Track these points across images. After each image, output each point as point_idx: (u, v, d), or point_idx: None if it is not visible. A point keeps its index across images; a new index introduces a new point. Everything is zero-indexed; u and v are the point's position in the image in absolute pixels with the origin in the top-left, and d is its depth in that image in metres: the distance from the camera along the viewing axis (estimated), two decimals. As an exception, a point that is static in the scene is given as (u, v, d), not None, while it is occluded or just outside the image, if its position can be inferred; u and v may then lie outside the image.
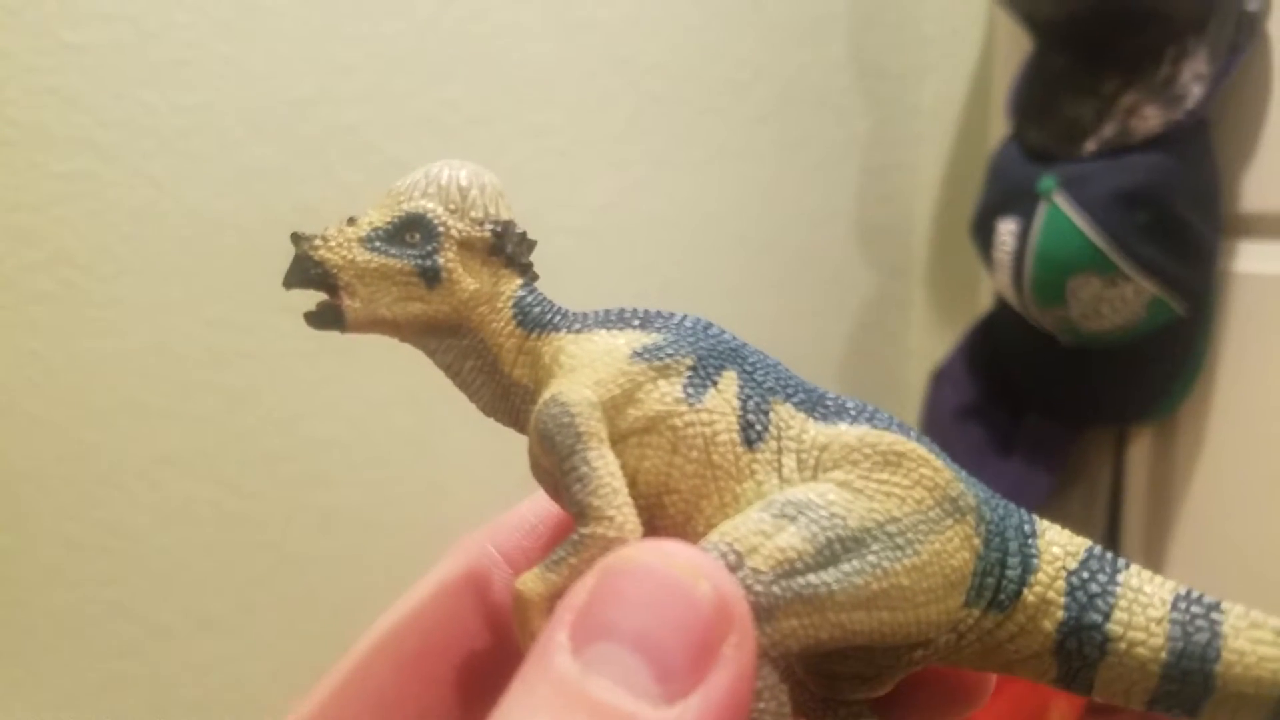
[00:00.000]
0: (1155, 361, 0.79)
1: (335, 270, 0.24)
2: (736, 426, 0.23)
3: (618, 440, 0.23)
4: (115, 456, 0.71)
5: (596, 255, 0.84)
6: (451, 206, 0.25)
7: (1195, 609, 0.23)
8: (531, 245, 0.25)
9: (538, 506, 0.28)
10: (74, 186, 0.68)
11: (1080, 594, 0.23)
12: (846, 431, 0.23)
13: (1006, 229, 0.77)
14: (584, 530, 0.22)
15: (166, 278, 0.71)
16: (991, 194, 0.81)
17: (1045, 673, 0.23)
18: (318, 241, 0.24)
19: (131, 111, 0.69)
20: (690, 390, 0.23)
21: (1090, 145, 0.76)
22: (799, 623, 0.21)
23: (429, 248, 0.24)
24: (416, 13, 0.75)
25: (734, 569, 0.21)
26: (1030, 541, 0.23)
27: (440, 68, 0.76)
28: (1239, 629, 0.23)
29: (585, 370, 0.23)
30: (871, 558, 0.21)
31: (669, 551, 0.19)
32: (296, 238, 0.25)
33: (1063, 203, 0.74)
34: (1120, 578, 0.23)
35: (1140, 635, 0.22)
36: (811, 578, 0.21)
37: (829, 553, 0.21)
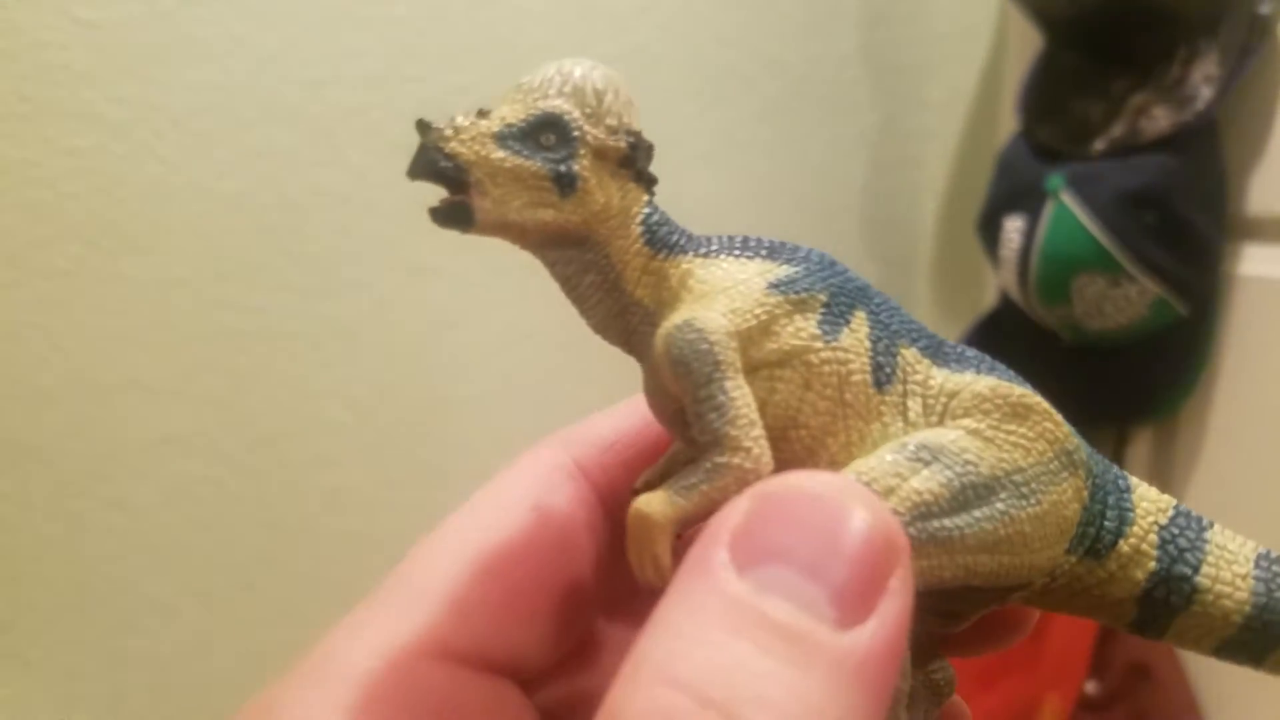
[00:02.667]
0: (1157, 362, 0.79)
1: (468, 165, 0.22)
2: (869, 367, 0.23)
3: (749, 371, 0.22)
4: (120, 433, 0.71)
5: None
6: (588, 110, 0.23)
7: (1276, 567, 0.24)
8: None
9: (615, 422, 0.28)
10: (84, 163, 0.68)
11: (1171, 547, 0.24)
12: (977, 381, 0.23)
13: (1013, 226, 0.78)
14: (719, 459, 0.21)
15: (174, 256, 0.71)
16: (999, 191, 0.81)
17: (1122, 617, 0.24)
18: (448, 133, 0.23)
19: (143, 89, 0.69)
20: (826, 327, 0.23)
21: (1099, 145, 0.76)
22: (929, 563, 0.21)
23: (564, 153, 0.23)
24: (428, -3, 0.75)
25: None
26: (1126, 496, 0.24)
27: (450, 52, 0.76)
28: None
29: (720, 298, 0.23)
30: (1000, 505, 0.22)
31: (833, 482, 0.19)
32: (424, 126, 0.23)
33: (1070, 201, 0.74)
34: (1207, 535, 0.24)
35: (1227, 589, 0.24)
36: (946, 521, 0.21)
37: (962, 498, 0.22)
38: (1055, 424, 0.23)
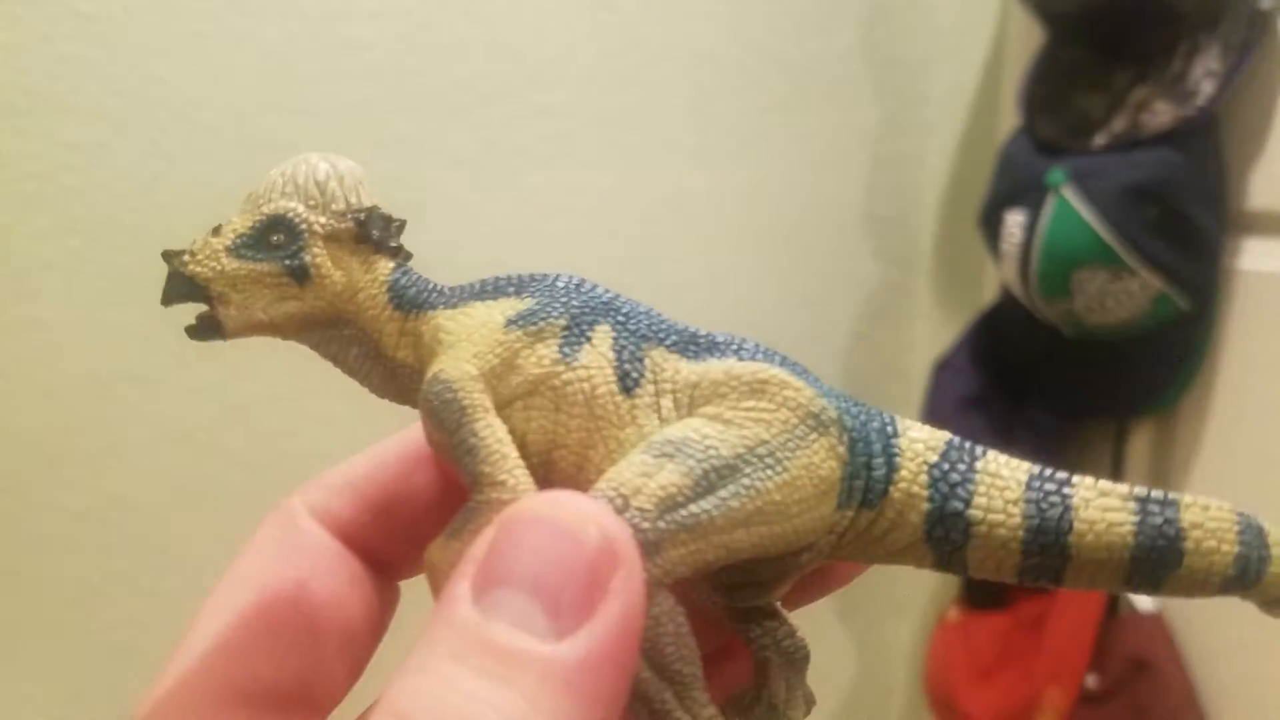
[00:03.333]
0: (1158, 356, 0.79)
1: (206, 283, 0.24)
2: (614, 377, 0.24)
3: (503, 406, 0.24)
4: (118, 428, 0.71)
5: (602, 239, 0.84)
6: (311, 202, 0.25)
7: (1048, 486, 0.24)
8: (400, 226, 0.26)
9: (350, 469, 0.29)
10: (84, 156, 0.68)
11: (942, 484, 0.24)
12: (714, 367, 0.24)
13: (1014, 220, 0.78)
14: (479, 497, 0.23)
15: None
16: (1000, 185, 0.81)
17: (923, 560, 0.24)
18: (186, 257, 0.25)
19: (143, 82, 0.69)
20: (566, 350, 0.24)
21: (1100, 139, 0.76)
22: (686, 550, 0.22)
23: (294, 247, 0.25)
24: (430, -10, 0.75)
25: (621, 511, 0.22)
26: (893, 441, 0.24)
27: (452, 46, 0.76)
28: (1089, 500, 0.24)
29: (464, 344, 0.24)
30: (745, 480, 0.23)
31: (557, 500, 0.20)
32: (167, 255, 0.25)
33: (1071, 196, 0.74)
34: (979, 465, 0.24)
35: (999, 517, 0.24)
36: (692, 508, 0.22)
37: (706, 483, 0.22)
38: (795, 390, 0.24)
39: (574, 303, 0.25)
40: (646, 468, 0.22)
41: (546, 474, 0.24)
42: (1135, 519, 0.24)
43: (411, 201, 0.78)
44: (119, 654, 0.72)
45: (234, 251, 0.25)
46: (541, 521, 0.20)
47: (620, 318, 0.25)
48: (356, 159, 0.79)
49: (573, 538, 0.19)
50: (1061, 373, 0.84)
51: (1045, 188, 0.75)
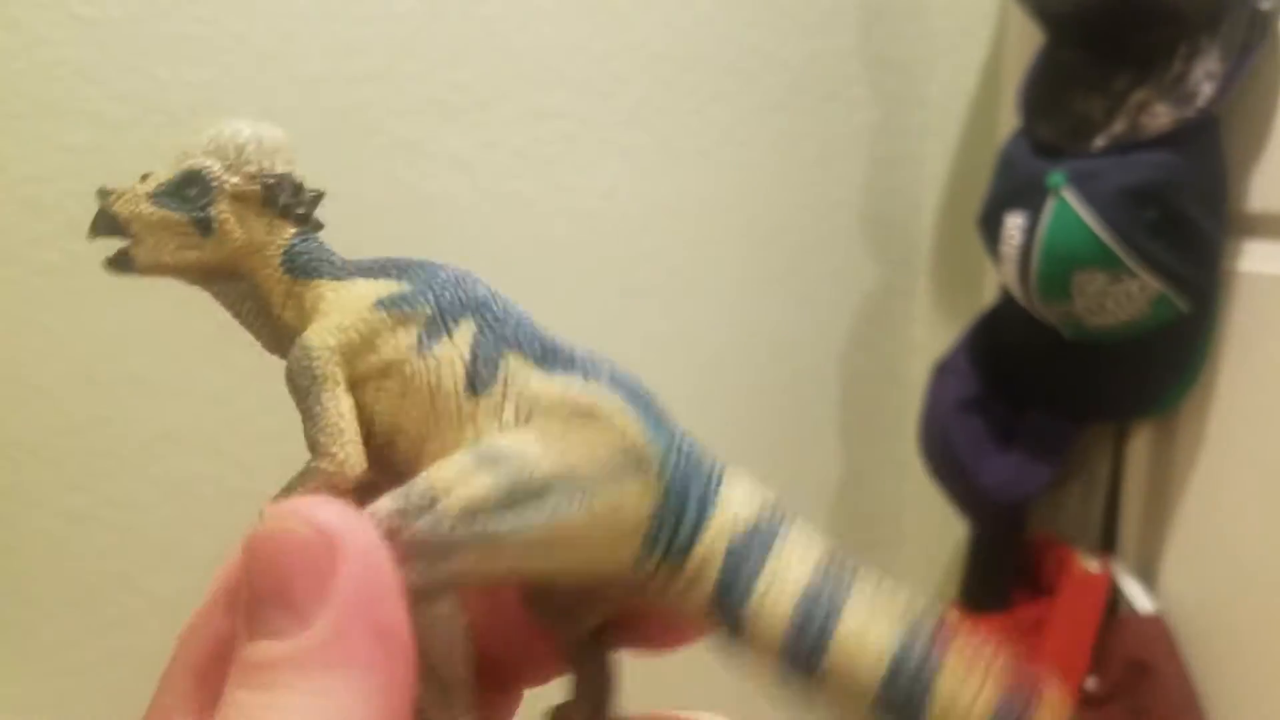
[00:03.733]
0: (1157, 358, 0.79)
1: (124, 222, 0.26)
2: (463, 374, 0.25)
3: (357, 382, 0.25)
4: (119, 430, 0.71)
5: (600, 240, 0.84)
6: (227, 163, 0.26)
7: (833, 570, 0.24)
8: (314, 198, 0.27)
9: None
10: (82, 159, 0.68)
11: (733, 564, 0.23)
12: (557, 383, 0.24)
13: (1014, 223, 0.77)
14: (313, 464, 0.24)
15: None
16: (1000, 187, 0.81)
17: (713, 628, 0.24)
18: (113, 197, 0.27)
19: (141, 86, 0.69)
20: (423, 339, 0.25)
21: (1100, 141, 0.76)
22: (475, 560, 0.23)
23: (203, 201, 0.26)
24: (428, -7, 0.75)
25: (427, 508, 0.22)
26: (713, 497, 0.24)
27: (449, 49, 0.76)
28: (861, 606, 0.23)
29: (335, 316, 0.25)
30: (549, 507, 0.23)
31: (279, 510, 0.21)
32: (100, 192, 0.27)
33: (1071, 198, 0.74)
34: (781, 540, 0.24)
35: (765, 623, 0.23)
36: (492, 522, 0.22)
37: (511, 499, 0.23)
38: (621, 428, 0.24)
39: (445, 295, 0.25)
40: (465, 471, 0.23)
41: (388, 455, 0.25)
42: (897, 647, 0.23)
43: (411, 202, 0.78)
44: (117, 656, 0.72)
45: (153, 198, 0.26)
46: (267, 536, 0.21)
47: (489, 317, 0.25)
48: (356, 161, 0.80)
49: (290, 539, 0.21)
50: (1061, 375, 0.84)
51: (1045, 190, 0.75)
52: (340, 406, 0.24)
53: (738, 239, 0.91)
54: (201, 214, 0.26)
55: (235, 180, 0.26)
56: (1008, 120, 0.88)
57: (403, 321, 0.25)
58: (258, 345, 0.28)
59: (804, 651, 0.23)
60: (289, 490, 0.24)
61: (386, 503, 0.23)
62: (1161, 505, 0.84)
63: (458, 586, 0.23)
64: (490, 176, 0.78)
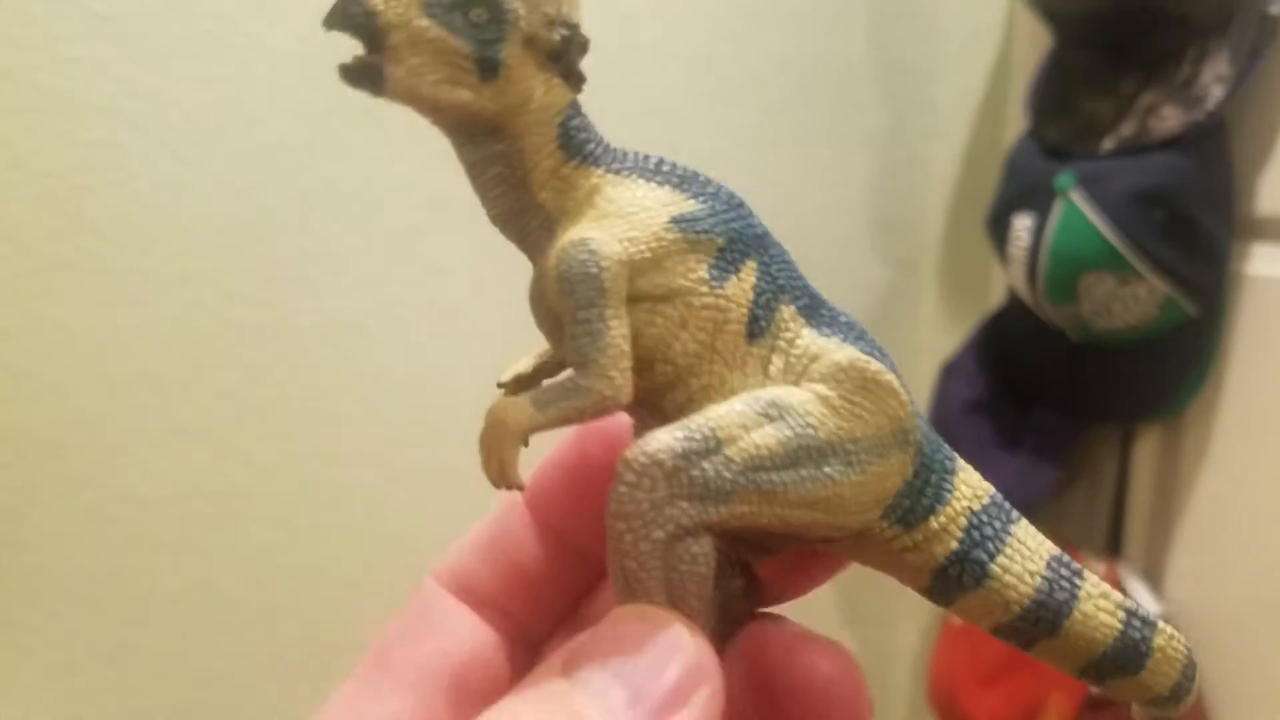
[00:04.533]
0: (1164, 361, 0.79)
1: (387, 27, 0.22)
2: (746, 318, 0.24)
3: (632, 300, 0.23)
4: (130, 426, 0.72)
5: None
6: None
7: (1064, 571, 0.26)
8: (585, 53, 0.24)
9: (476, 539, 0.29)
10: (98, 155, 0.69)
11: (976, 532, 0.25)
12: (840, 349, 0.24)
13: (1022, 224, 0.78)
14: (583, 382, 0.22)
15: (187, 249, 0.71)
16: (1008, 189, 0.81)
17: (917, 583, 0.25)
18: None
19: (158, 82, 0.69)
20: (715, 272, 0.24)
21: (1108, 143, 0.76)
22: (749, 509, 0.22)
23: (494, 34, 0.22)
24: None
25: (710, 452, 0.22)
26: (949, 478, 0.25)
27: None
28: (1091, 595, 0.26)
29: (620, 222, 0.23)
30: (828, 469, 0.23)
31: (663, 616, 0.21)
32: None
33: (1079, 200, 0.74)
34: (1012, 528, 0.25)
35: (1014, 580, 0.25)
36: (774, 475, 0.22)
37: (794, 457, 0.23)
38: (899, 403, 0.24)
39: (734, 224, 0.24)
40: (746, 420, 0.22)
41: (639, 378, 0.23)
42: (1120, 627, 0.26)
43: (423, 202, 0.78)
44: (124, 652, 0.73)
45: (428, 8, 0.22)
46: (647, 622, 0.21)
47: (767, 258, 0.25)
48: (370, 162, 0.80)
49: (671, 646, 0.21)
50: (1068, 377, 0.84)
51: (1053, 192, 0.76)
52: (623, 327, 0.22)
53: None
54: (489, 52, 0.22)
55: (534, 20, 0.23)
56: (1016, 123, 0.88)
57: (695, 247, 0.23)
58: (478, 210, 0.25)
59: (1047, 613, 0.25)
60: (548, 404, 0.22)
61: (666, 438, 0.22)
62: (1168, 508, 0.84)
63: (717, 528, 0.22)
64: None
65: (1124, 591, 0.84)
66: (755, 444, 0.22)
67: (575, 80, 0.24)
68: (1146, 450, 0.85)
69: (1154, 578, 0.85)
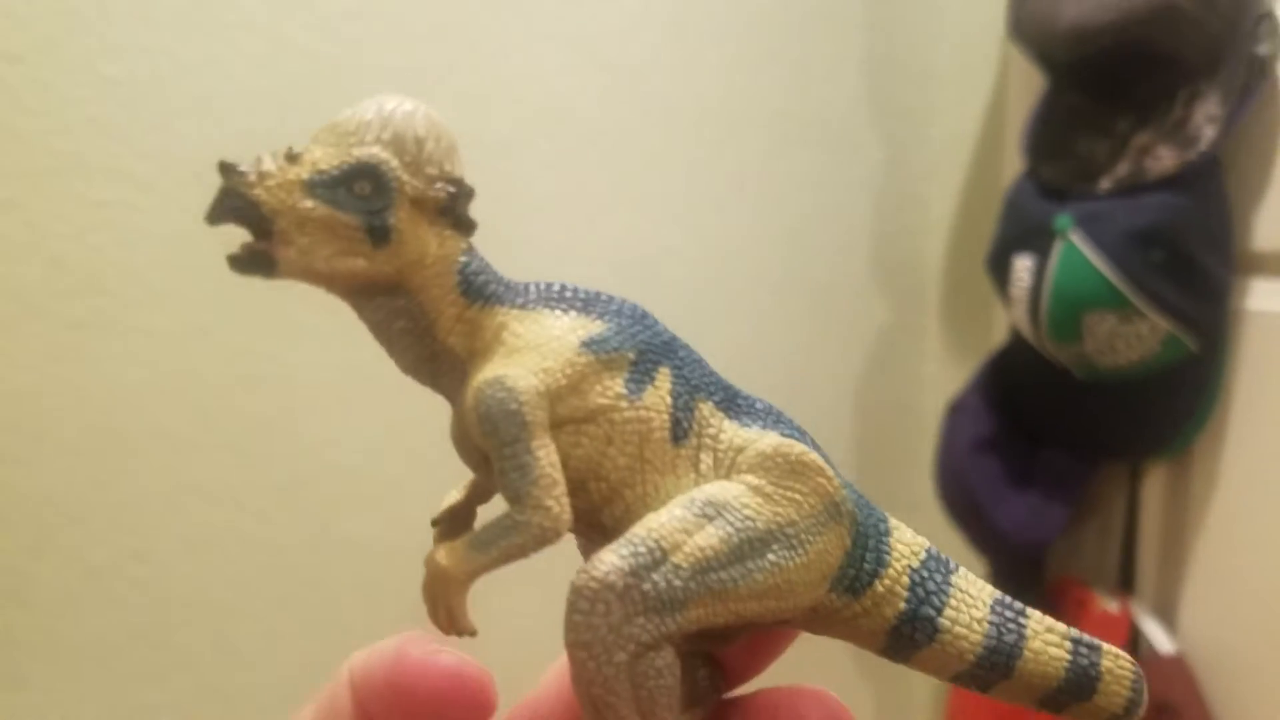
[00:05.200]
0: (1169, 397, 0.80)
1: (272, 215, 0.22)
2: (668, 424, 0.24)
3: (555, 426, 0.23)
4: (142, 483, 0.72)
5: (615, 286, 0.85)
6: (407, 159, 0.23)
7: (1009, 613, 0.26)
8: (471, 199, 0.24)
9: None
10: (109, 215, 0.69)
11: (920, 589, 0.26)
12: (762, 438, 0.25)
13: (1023, 265, 0.78)
14: (519, 517, 0.22)
15: (197, 305, 0.72)
16: (1007, 230, 0.82)
17: (873, 645, 0.26)
18: (253, 178, 0.22)
19: (167, 143, 0.70)
20: (631, 385, 0.24)
21: (1104, 183, 0.77)
22: (704, 611, 0.23)
23: (380, 204, 0.23)
24: (447, 48, 0.77)
25: (658, 564, 0.22)
26: (885, 540, 0.26)
27: (468, 100, 0.78)
28: (1037, 632, 0.26)
29: (532, 354, 0.23)
30: (771, 556, 0.23)
31: None
32: (227, 168, 0.22)
33: (1078, 240, 0.75)
34: (953, 579, 0.26)
35: (964, 630, 0.26)
36: (722, 574, 0.23)
37: (739, 552, 0.23)
38: (826, 479, 0.25)
39: (641, 336, 0.24)
40: (686, 524, 0.23)
41: (574, 499, 0.23)
42: (1069, 658, 0.26)
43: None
44: (141, 712, 0.72)
45: (311, 189, 0.22)
46: None
47: (677, 361, 0.25)
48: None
49: None
50: (1074, 415, 0.85)
51: (1052, 232, 0.76)
52: (551, 456, 0.23)
53: (749, 281, 0.92)
54: (378, 220, 0.23)
55: (417, 183, 0.23)
56: (1012, 161, 0.89)
57: (608, 366, 0.24)
58: (390, 364, 0.25)
59: (1000, 657, 0.26)
60: (487, 545, 0.22)
61: (612, 559, 0.22)
62: (1178, 545, 0.84)
63: (677, 637, 0.22)
64: (510, 223, 0.80)
65: (1137, 629, 0.84)
66: (699, 546, 0.22)
67: (466, 227, 0.24)
68: (1155, 487, 0.85)
69: (1168, 615, 0.84)
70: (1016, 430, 0.87)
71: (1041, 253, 0.77)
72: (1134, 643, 0.83)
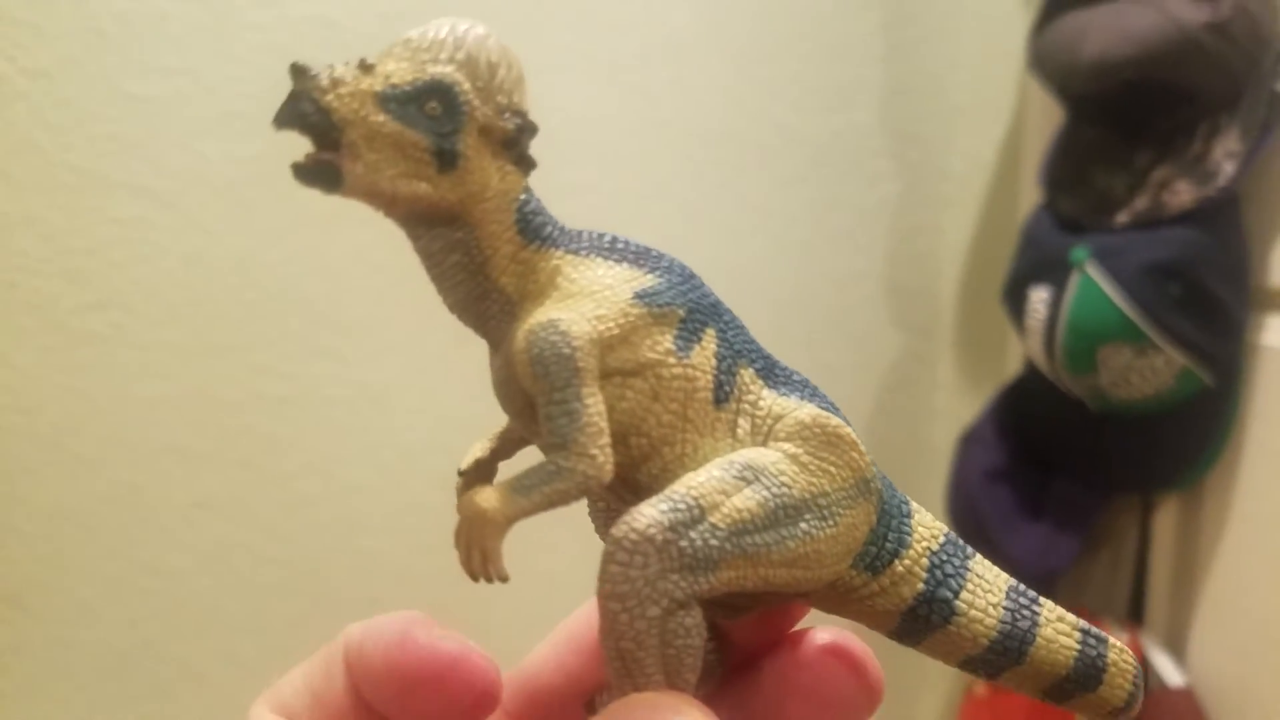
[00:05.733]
0: (1183, 431, 0.80)
1: (342, 124, 0.22)
2: (712, 385, 0.24)
3: (602, 376, 0.23)
4: (156, 498, 0.72)
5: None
6: (479, 84, 0.23)
7: (1023, 600, 0.26)
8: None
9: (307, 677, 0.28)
10: (129, 232, 0.70)
11: (939, 571, 0.26)
12: (800, 408, 0.25)
13: (1039, 297, 0.78)
14: (564, 463, 0.22)
15: (213, 323, 0.72)
16: (1024, 262, 0.82)
17: (886, 626, 0.26)
18: (325, 84, 0.22)
19: (188, 161, 0.71)
20: (680, 343, 0.24)
21: (1122, 217, 0.77)
22: (735, 574, 0.22)
23: (450, 126, 0.22)
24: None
25: (695, 522, 0.22)
26: (907, 521, 0.26)
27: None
28: (1050, 620, 0.26)
29: (586, 301, 0.23)
30: (804, 525, 0.23)
31: (672, 704, 0.21)
32: (299, 71, 0.22)
33: (1095, 273, 0.75)
34: (970, 564, 0.26)
35: (980, 614, 0.26)
36: (757, 538, 0.23)
37: (774, 517, 0.23)
38: (859, 454, 0.25)
39: (691, 295, 0.24)
40: (725, 486, 0.23)
41: (614, 453, 0.23)
42: (1079, 648, 0.26)
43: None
44: (148, 725, 0.73)
45: (383, 102, 0.22)
46: (660, 711, 0.21)
47: (723, 325, 0.25)
48: (394, 235, 0.81)
49: None
50: (1087, 447, 0.84)
51: (1069, 265, 0.76)
52: (599, 405, 0.22)
53: (763, 308, 0.92)
54: (447, 144, 0.22)
55: (487, 110, 0.23)
56: (1027, 192, 0.89)
57: (660, 321, 0.24)
58: (437, 301, 0.25)
59: (1013, 642, 0.26)
60: (530, 489, 0.22)
61: (653, 513, 0.22)
62: (1189, 578, 0.84)
63: (707, 596, 0.22)
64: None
65: (1146, 661, 0.83)
66: (737, 508, 0.22)
67: (527, 165, 0.24)
68: (1167, 520, 0.85)
69: (1177, 648, 0.84)
70: (1029, 461, 0.87)
71: (1058, 284, 0.77)
72: (1144, 675, 0.83)
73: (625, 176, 0.84)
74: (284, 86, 0.70)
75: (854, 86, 0.93)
